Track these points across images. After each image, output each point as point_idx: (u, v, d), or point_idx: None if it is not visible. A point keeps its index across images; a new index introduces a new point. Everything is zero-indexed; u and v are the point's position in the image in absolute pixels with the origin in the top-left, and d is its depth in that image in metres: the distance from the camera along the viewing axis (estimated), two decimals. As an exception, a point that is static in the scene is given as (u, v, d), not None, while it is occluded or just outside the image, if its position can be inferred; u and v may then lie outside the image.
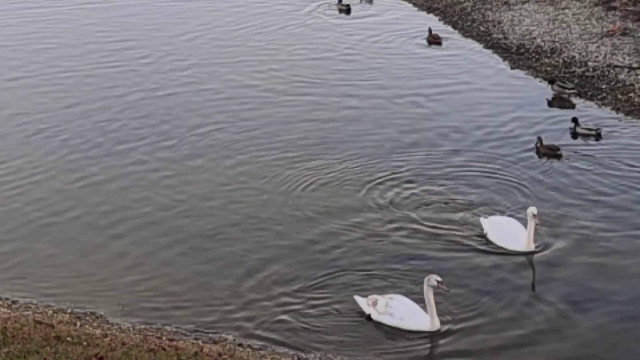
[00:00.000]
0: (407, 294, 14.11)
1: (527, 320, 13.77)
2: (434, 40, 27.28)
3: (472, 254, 15.53)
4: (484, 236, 15.90)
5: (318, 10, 31.63)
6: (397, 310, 13.63)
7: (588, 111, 21.84)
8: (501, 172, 18.60)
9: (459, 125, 21.16)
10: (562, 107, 22.16)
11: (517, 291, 14.57)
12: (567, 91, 22.43)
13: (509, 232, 15.70)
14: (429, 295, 13.43)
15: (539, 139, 19.61)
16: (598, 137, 20.16)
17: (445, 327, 13.59)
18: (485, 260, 15.36)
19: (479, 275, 14.92)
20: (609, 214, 16.87)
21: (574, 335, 13.47)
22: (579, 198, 17.47)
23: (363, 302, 13.95)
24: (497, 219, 16.13)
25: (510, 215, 16.54)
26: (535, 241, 15.56)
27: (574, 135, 20.42)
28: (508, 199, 17.48)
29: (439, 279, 13.41)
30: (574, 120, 20.58)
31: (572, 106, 22.15)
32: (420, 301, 13.73)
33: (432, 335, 13.47)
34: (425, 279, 13.50)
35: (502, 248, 15.60)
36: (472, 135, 20.63)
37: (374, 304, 13.78)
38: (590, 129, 20.33)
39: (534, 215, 15.29)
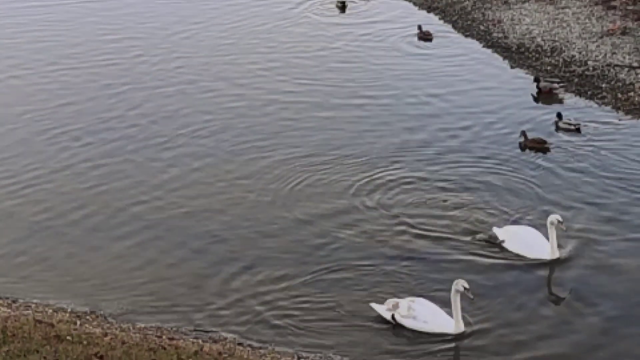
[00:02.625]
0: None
1: (558, 332, 13.52)
2: (424, 36, 27.42)
3: (490, 263, 15.25)
4: (498, 244, 15.59)
5: (312, 7, 31.62)
6: (421, 314, 13.53)
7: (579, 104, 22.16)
8: (503, 171, 18.60)
9: (456, 124, 21.15)
10: (550, 102, 22.27)
11: (545, 300, 14.42)
12: (555, 85, 22.68)
13: (530, 241, 15.40)
14: (456, 299, 13.35)
15: (523, 133, 19.79)
16: (577, 131, 20.40)
17: (470, 332, 13.52)
18: (507, 269, 15.11)
19: (501, 285, 14.66)
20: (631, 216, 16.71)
21: (605, 349, 13.22)
22: (591, 200, 17.34)
23: (382, 309, 13.82)
24: (514, 228, 15.80)
25: (516, 216, 16.57)
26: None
27: (557, 129, 20.67)
28: (513, 199, 17.37)
29: (466, 285, 13.31)
30: (558, 115, 20.88)
31: (560, 101, 22.29)
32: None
33: (455, 339, 13.39)
34: (454, 283, 13.40)
35: (523, 257, 15.28)
36: (469, 133, 20.63)
37: (395, 307, 13.66)
38: (570, 124, 20.62)
39: (560, 222, 15.06)
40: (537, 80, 22.96)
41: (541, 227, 15.73)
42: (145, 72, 25.13)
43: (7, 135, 21.07)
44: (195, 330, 13.67)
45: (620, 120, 21.09)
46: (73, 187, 18.31)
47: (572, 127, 20.49)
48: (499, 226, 15.97)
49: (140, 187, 18.22)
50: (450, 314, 13.56)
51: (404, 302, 13.67)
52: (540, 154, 19.30)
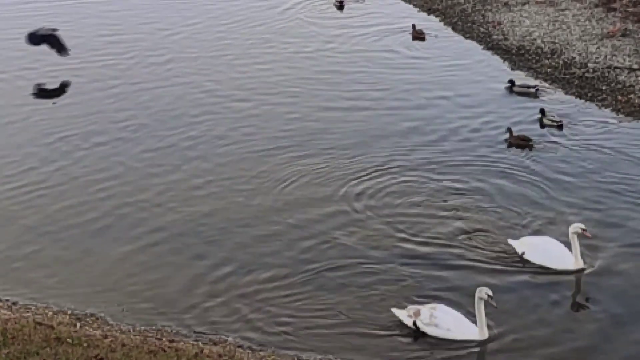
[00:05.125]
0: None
1: (589, 345, 13.32)
2: (417, 35, 27.60)
3: (511, 273, 15.02)
4: (519, 256, 15.30)
5: (309, 6, 31.67)
6: (443, 321, 13.39)
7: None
8: (508, 172, 18.61)
9: (452, 123, 21.24)
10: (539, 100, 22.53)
11: (573, 311, 14.22)
12: (530, 89, 22.86)
13: (553, 252, 15.14)
14: (480, 306, 13.26)
15: (509, 130, 19.93)
16: (560, 127, 20.64)
17: (494, 338, 13.42)
18: (530, 279, 14.88)
19: (524, 295, 14.42)
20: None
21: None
22: (599, 204, 17.25)
23: (403, 315, 13.68)
24: (533, 239, 15.51)
25: (528, 223, 16.47)
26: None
27: (542, 125, 20.90)
28: (520, 205, 17.19)
29: (490, 293, 13.21)
30: (541, 111, 21.12)
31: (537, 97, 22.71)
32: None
33: (480, 345, 13.31)
34: (477, 290, 13.32)
35: (546, 268, 15.04)
36: (466, 133, 20.71)
37: (417, 314, 13.51)
38: (553, 120, 20.85)
39: (583, 230, 14.90)
40: (511, 82, 23.07)
41: (545, 234, 15.79)
42: (138, 72, 25.12)
43: (4, 136, 21.06)
44: (195, 332, 13.65)
45: (618, 120, 21.15)
46: (72, 190, 18.27)
47: (555, 124, 20.72)
48: (514, 238, 15.68)
49: (139, 190, 18.18)
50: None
51: (425, 310, 13.52)
52: (540, 154, 19.37)
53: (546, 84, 23.46)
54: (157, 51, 26.80)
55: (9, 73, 25.29)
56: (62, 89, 24.15)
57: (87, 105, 22.71)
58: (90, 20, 30.52)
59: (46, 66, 25.64)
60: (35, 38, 25.70)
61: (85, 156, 19.74)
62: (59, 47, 25.54)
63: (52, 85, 24.46)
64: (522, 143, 19.67)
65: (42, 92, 24.09)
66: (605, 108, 21.90)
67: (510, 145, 19.74)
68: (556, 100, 22.48)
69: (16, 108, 22.60)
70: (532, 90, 22.83)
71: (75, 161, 19.52)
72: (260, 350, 13.17)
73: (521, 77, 23.89)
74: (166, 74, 24.94)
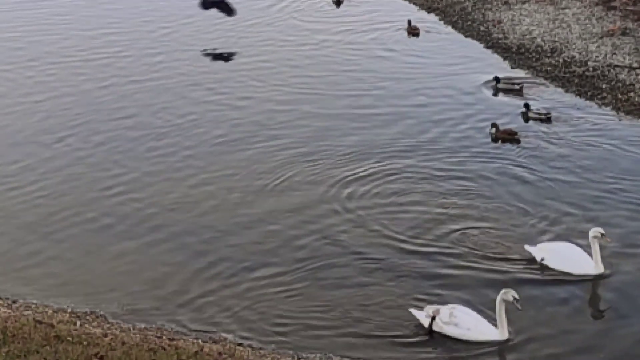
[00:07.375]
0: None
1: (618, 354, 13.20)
2: (412, 31, 27.89)
3: (531, 278, 14.83)
4: (539, 263, 15.09)
5: (306, 2, 31.69)
6: (463, 321, 13.30)
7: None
8: (512, 172, 18.60)
9: (451, 122, 21.26)
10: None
11: (592, 315, 14.17)
12: (515, 87, 22.95)
13: (573, 257, 14.97)
14: (501, 308, 13.19)
15: (495, 125, 20.04)
16: (548, 120, 20.76)
17: (513, 343, 13.31)
18: (549, 284, 14.72)
19: (543, 299, 14.31)
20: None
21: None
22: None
23: (421, 315, 13.59)
24: (551, 245, 15.31)
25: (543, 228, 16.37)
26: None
27: (526, 119, 21.03)
28: (529, 209, 17.07)
29: (516, 295, 13.13)
30: (526, 105, 21.28)
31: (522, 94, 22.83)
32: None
33: (500, 345, 13.22)
34: (502, 292, 13.23)
35: (567, 274, 14.83)
36: (464, 130, 20.76)
37: (436, 312, 13.40)
38: (540, 113, 20.98)
39: (603, 235, 14.74)
40: (496, 80, 23.12)
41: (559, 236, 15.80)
42: (127, 69, 25.17)
43: (3, 134, 21.04)
44: (195, 330, 13.65)
45: (618, 118, 21.17)
46: (72, 189, 18.26)
47: (543, 117, 20.84)
48: (531, 244, 15.42)
49: (138, 189, 18.15)
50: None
51: (445, 309, 13.43)
52: (531, 151, 19.42)
53: (545, 81, 23.50)
54: (145, 49, 26.80)
55: (13, 70, 25.31)
56: (229, 55, 26.11)
57: (83, 104, 22.72)
58: (87, 16, 30.61)
59: (47, 59, 25.66)
60: (207, 3, 28.03)
61: (85, 155, 19.73)
62: (228, 10, 27.96)
63: (220, 50, 26.14)
64: (508, 137, 19.77)
65: (210, 54, 26.09)
66: (605, 106, 21.90)
67: (496, 139, 19.77)
68: (552, 94, 22.60)
69: (15, 108, 22.59)
70: (517, 87, 22.84)
71: (75, 160, 19.52)
72: (260, 349, 13.16)
73: (507, 73, 23.98)
74: (163, 72, 24.98)
